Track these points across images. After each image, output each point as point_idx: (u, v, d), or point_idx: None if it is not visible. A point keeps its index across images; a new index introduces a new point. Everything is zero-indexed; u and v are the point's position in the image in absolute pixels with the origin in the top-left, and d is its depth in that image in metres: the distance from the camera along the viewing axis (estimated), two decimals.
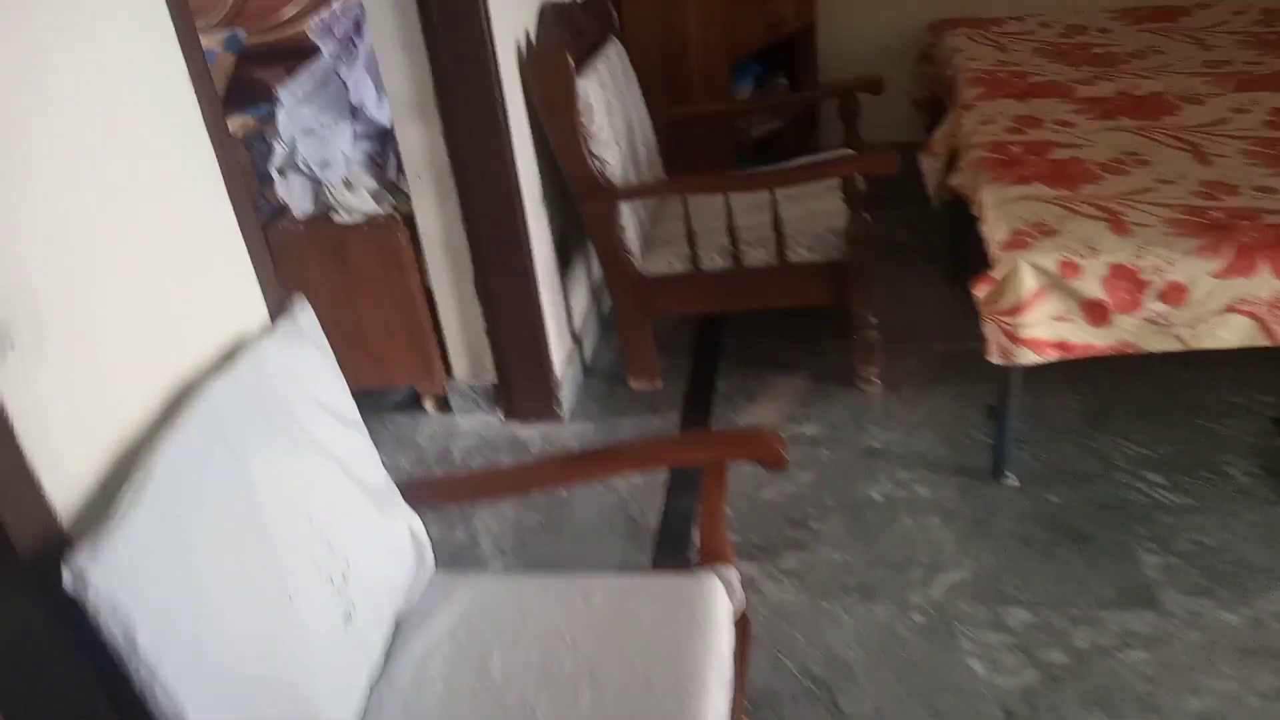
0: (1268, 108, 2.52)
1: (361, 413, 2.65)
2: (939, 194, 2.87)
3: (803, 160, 2.90)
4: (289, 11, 3.73)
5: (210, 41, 3.80)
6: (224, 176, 1.30)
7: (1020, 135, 2.50)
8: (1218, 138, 2.37)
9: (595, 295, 3.04)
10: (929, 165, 2.90)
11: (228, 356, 1.24)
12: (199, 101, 1.26)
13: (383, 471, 1.41)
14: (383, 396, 2.78)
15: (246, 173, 3.37)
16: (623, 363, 2.73)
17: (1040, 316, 1.93)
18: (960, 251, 3.06)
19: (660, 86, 3.21)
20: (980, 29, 3.50)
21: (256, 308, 1.36)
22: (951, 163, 2.78)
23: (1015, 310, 1.94)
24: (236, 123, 3.70)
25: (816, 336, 2.82)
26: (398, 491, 1.43)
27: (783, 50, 3.65)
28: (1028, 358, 1.96)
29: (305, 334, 1.30)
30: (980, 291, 1.98)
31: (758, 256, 2.49)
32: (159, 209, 1.18)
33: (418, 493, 1.47)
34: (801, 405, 2.57)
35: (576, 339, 2.82)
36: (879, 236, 2.48)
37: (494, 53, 2.19)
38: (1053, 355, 1.96)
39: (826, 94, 3.27)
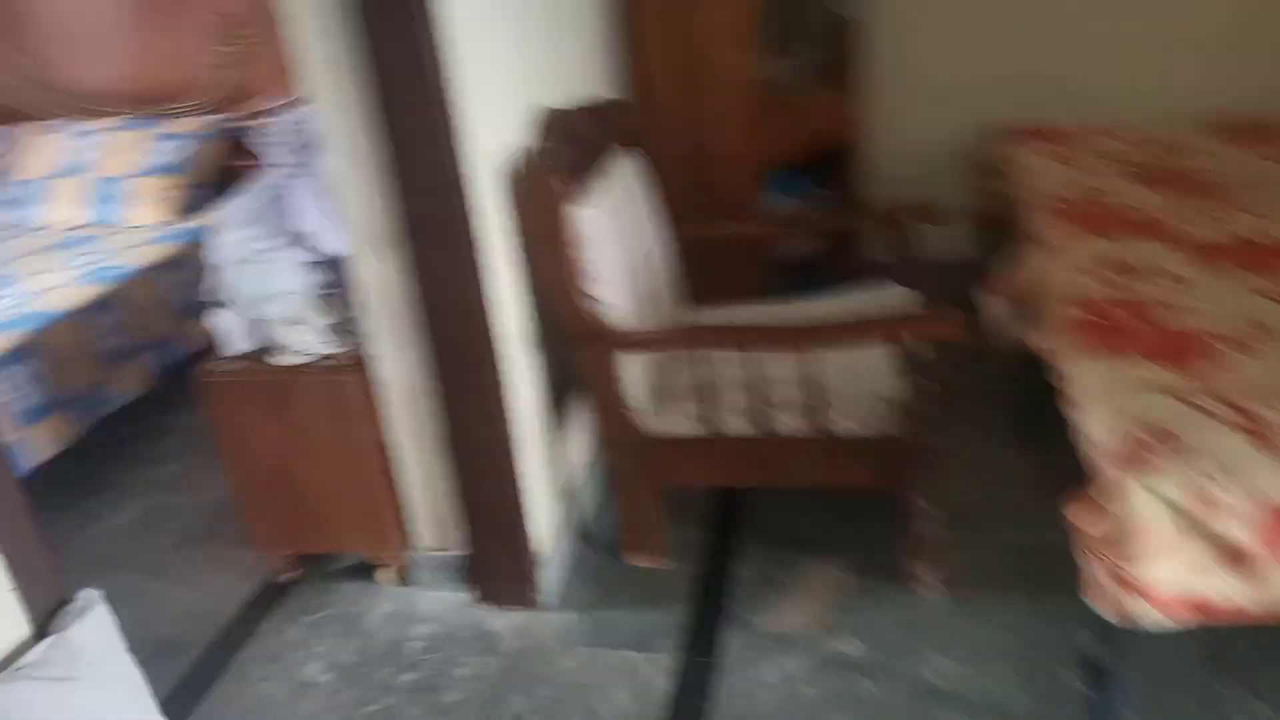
0: None
1: (305, 583, 2.15)
2: (1006, 343, 2.41)
3: (843, 302, 2.45)
4: (267, 103, 3.39)
5: (196, 125, 3.49)
6: None
7: (1116, 290, 2.04)
8: None
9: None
10: (994, 308, 2.44)
11: None
12: None
13: None
14: (331, 560, 2.33)
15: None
16: (621, 535, 2.26)
17: (1168, 565, 1.43)
18: (1035, 409, 2.57)
19: (684, 202, 2.80)
20: (1051, 143, 3.07)
21: (10, 625, 0.90)
22: (1022, 307, 2.33)
23: (1132, 553, 1.45)
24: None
25: (862, 512, 2.32)
26: None
27: (825, 156, 3.23)
28: (1151, 617, 1.46)
29: (83, 658, 0.85)
30: (1082, 521, 1.50)
31: (789, 423, 2.03)
32: None
33: None
34: (840, 608, 2.07)
35: (572, 497, 2.36)
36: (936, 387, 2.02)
37: (468, 176, 1.78)
38: (1188, 619, 1.45)
39: (873, 219, 2.83)
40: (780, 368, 2.07)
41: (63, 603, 0.89)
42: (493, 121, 1.90)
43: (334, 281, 1.97)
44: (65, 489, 2.73)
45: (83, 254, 3.08)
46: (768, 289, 2.90)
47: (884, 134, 3.43)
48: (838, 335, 2.00)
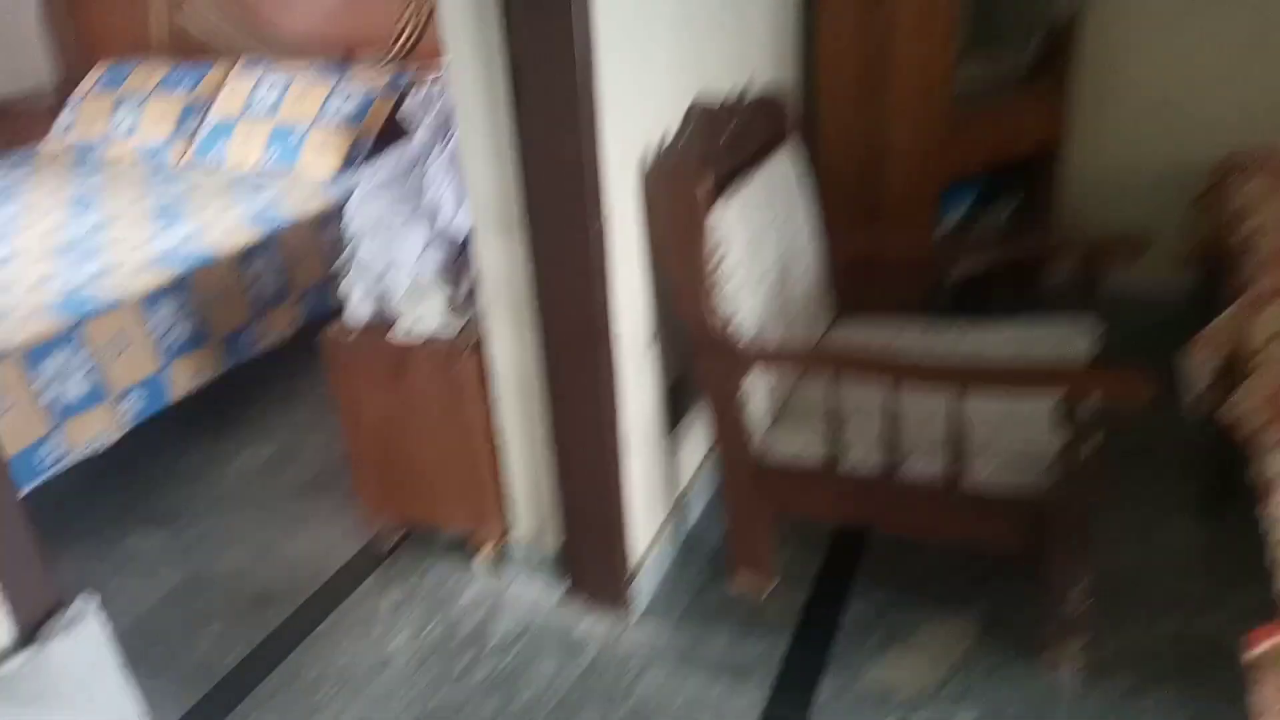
0: None
1: (406, 551, 2.17)
2: (1200, 407, 2.10)
3: (1014, 336, 2.18)
4: (434, 65, 3.39)
5: (371, 81, 3.55)
6: None
7: None
8: None
9: None
10: (1195, 364, 2.11)
11: None
12: None
13: None
14: (433, 533, 2.31)
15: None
16: (728, 554, 2.12)
17: None
18: (1223, 479, 2.23)
19: (847, 207, 2.59)
20: None
21: None
22: (1228, 371, 2.01)
23: None
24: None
25: (998, 565, 2.09)
26: None
27: (1013, 167, 2.92)
28: None
29: (63, 675, 0.80)
30: (1257, 648, 1.25)
31: (923, 467, 1.82)
32: None
33: None
34: (956, 671, 1.86)
35: (678, 504, 2.24)
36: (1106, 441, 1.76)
37: (602, 163, 1.67)
38: None
39: (1066, 249, 2.50)
40: (923, 404, 1.87)
41: (55, 610, 0.85)
42: (637, 106, 1.78)
43: (458, 259, 1.91)
44: (204, 423, 2.86)
45: (252, 196, 3.19)
46: (929, 306, 2.66)
47: (1089, 149, 3.08)
48: (1006, 380, 1.76)
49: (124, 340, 2.41)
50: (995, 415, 1.86)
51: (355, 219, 1.92)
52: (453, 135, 1.83)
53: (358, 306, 2.00)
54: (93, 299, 2.42)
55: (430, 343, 1.96)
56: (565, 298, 1.79)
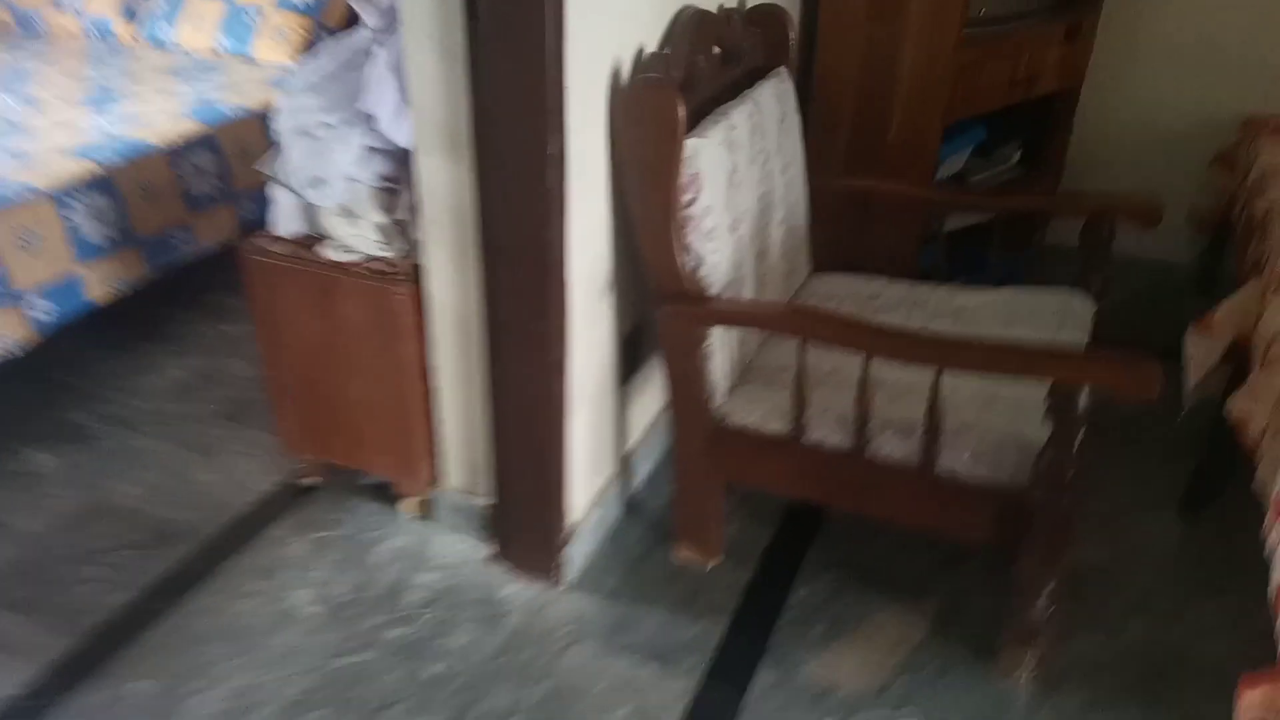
0: None
1: (325, 492, 2.03)
2: (1200, 392, 1.95)
3: (1007, 304, 2.01)
4: None
5: None
6: None
7: None
8: None
9: None
10: (1197, 348, 1.96)
11: None
12: None
13: None
14: (357, 475, 2.12)
15: None
16: (672, 522, 1.96)
17: None
18: (1211, 473, 2.08)
19: (841, 143, 2.38)
20: None
21: None
22: (1233, 356, 1.86)
23: None
24: None
25: (961, 556, 1.95)
26: None
27: (1024, 111, 2.69)
28: None
29: None
30: (1250, 698, 1.10)
31: (892, 447, 1.65)
32: None
33: None
34: (904, 669, 1.73)
35: (625, 463, 2.07)
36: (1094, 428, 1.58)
37: (565, 80, 1.44)
38: None
39: (1074, 210, 2.29)
40: (900, 375, 1.70)
41: None
42: (610, 15, 1.54)
43: (397, 176, 1.69)
44: (122, 334, 2.63)
45: (198, 83, 2.92)
46: (920, 260, 2.47)
47: (1104, 98, 2.87)
48: (991, 360, 1.57)
49: (35, 236, 2.18)
50: (978, 394, 1.69)
51: (283, 119, 1.68)
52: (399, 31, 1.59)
53: (284, 219, 1.78)
54: (3, 188, 2.18)
55: (362, 268, 1.75)
56: (515, 228, 1.58)
